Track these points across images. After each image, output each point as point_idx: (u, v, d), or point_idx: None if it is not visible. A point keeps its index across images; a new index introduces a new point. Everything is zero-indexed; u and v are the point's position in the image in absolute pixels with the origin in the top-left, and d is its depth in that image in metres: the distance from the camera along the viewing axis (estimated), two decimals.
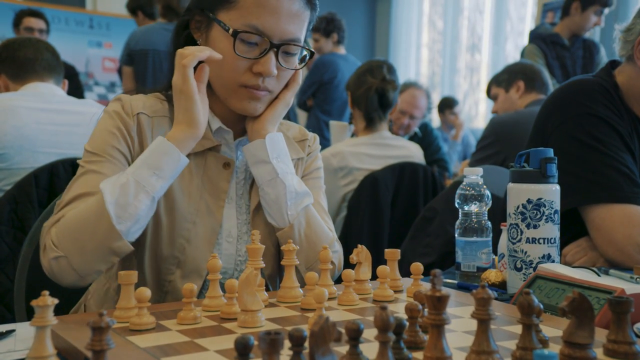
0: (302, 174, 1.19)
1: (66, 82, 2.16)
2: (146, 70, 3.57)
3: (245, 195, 1.14)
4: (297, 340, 0.62)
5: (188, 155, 1.10)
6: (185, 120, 1.01)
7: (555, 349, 0.68)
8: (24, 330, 0.86)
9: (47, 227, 0.99)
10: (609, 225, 1.28)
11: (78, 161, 1.06)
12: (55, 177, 1.67)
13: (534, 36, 3.58)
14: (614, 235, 1.27)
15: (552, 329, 0.78)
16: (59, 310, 0.72)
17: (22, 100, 1.92)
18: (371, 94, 2.39)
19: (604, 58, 3.40)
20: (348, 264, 1.02)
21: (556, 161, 1.07)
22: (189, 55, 1.01)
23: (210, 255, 0.93)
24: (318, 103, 4.00)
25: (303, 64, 1.13)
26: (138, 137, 1.06)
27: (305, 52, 1.13)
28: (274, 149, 1.09)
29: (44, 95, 1.99)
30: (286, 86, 1.12)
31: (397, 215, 2.29)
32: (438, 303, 0.63)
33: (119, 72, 4.01)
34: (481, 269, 1.16)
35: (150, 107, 1.10)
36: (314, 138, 1.24)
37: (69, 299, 1.19)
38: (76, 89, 3.67)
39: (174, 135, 1.01)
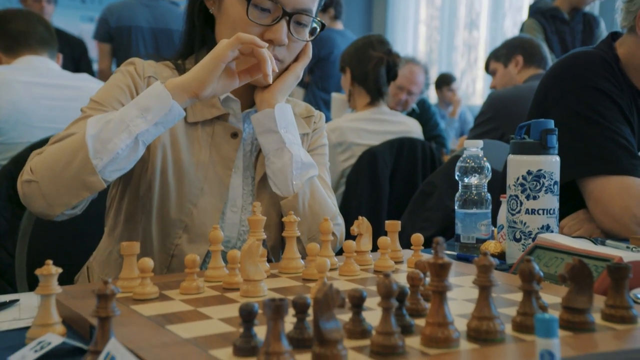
0: (307, 150, 1.20)
1: (60, 55, 2.14)
2: (130, 47, 3.46)
3: (251, 166, 1.15)
4: (301, 308, 0.63)
5: (195, 124, 1.10)
6: (195, 74, 0.97)
7: (554, 315, 0.69)
8: (27, 300, 0.87)
9: (32, 155, 1.00)
10: (607, 197, 1.29)
11: (81, 107, 1.06)
12: None
13: (534, 10, 3.55)
14: (612, 206, 1.28)
15: (551, 296, 0.79)
16: (63, 281, 0.73)
17: (16, 74, 1.90)
18: (381, 68, 2.36)
19: (603, 32, 3.38)
20: (349, 238, 1.03)
21: (557, 132, 1.07)
22: (251, 38, 0.96)
23: (217, 220, 0.93)
24: (315, 80, 3.97)
25: (313, 36, 1.13)
26: None
27: (315, 25, 1.13)
28: (283, 120, 1.09)
29: (38, 69, 1.97)
30: (296, 59, 1.13)
31: (396, 190, 2.30)
32: (440, 270, 0.63)
33: None
34: (480, 241, 1.17)
35: (161, 73, 1.10)
36: (319, 115, 1.24)
37: (72, 267, 1.19)
38: (87, 67, 3.53)
39: (173, 81, 0.98)
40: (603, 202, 1.30)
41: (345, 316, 0.66)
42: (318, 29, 1.13)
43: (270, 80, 0.99)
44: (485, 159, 1.21)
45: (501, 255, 1.12)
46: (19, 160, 1.63)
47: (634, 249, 0.99)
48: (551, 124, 1.08)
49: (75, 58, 3.41)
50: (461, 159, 1.21)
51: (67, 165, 0.94)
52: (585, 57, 1.42)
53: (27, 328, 0.70)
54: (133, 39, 3.45)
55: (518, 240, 1.08)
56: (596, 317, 0.69)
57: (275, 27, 1.05)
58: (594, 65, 1.39)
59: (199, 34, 1.13)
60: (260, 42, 0.97)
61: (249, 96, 1.14)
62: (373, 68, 2.37)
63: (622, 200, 1.28)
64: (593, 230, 1.32)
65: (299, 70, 1.13)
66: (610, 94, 1.36)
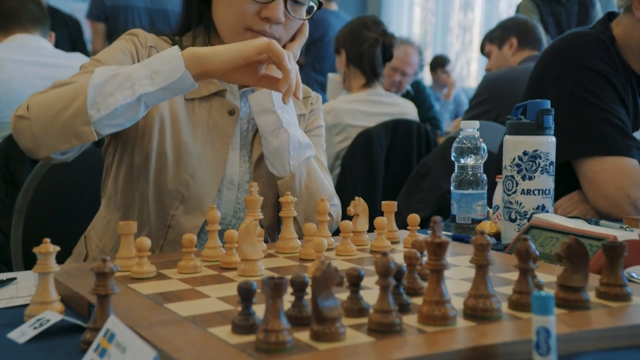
0: (304, 131, 1.19)
1: (53, 34, 2.11)
2: (125, 27, 3.44)
3: (248, 145, 1.15)
4: (299, 286, 0.63)
5: (193, 100, 1.10)
6: (213, 53, 0.95)
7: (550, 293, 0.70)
8: (24, 279, 0.87)
9: (33, 94, 0.99)
10: (601, 177, 1.30)
11: (81, 65, 1.06)
12: None
13: None
14: (606, 187, 1.29)
15: (546, 276, 0.80)
16: (57, 260, 0.72)
17: (8, 52, 1.88)
18: (376, 49, 2.35)
19: (599, 13, 3.37)
20: (345, 219, 1.03)
21: (553, 113, 1.07)
22: (281, 53, 0.94)
23: (214, 193, 0.91)
24: (309, 61, 3.94)
25: (310, 15, 1.12)
26: None
27: (312, 4, 1.12)
28: (280, 99, 1.08)
29: (30, 48, 1.94)
30: (293, 38, 1.12)
31: (391, 172, 2.30)
32: (438, 249, 0.63)
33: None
34: (476, 221, 1.18)
35: (161, 47, 1.10)
36: (317, 97, 1.24)
37: (67, 246, 1.19)
38: (83, 47, 3.48)
39: (192, 49, 0.96)
40: (597, 183, 1.31)
41: (343, 295, 0.67)
42: (315, 8, 1.12)
43: (287, 102, 0.98)
44: (481, 139, 1.21)
45: (497, 236, 1.13)
46: (12, 140, 1.62)
47: (627, 228, 1.00)
48: (547, 104, 1.08)
49: (72, 38, 3.37)
50: (457, 139, 1.21)
51: (63, 110, 0.93)
52: (580, 38, 1.41)
53: (24, 306, 0.70)
54: (129, 19, 3.42)
55: (513, 221, 1.08)
56: (591, 295, 0.70)
57: (272, 5, 1.04)
58: (590, 45, 1.38)
59: (196, 11, 1.13)
60: (287, 65, 0.94)
61: None
62: (368, 49, 2.35)
63: (617, 180, 1.29)
64: (587, 211, 1.33)
65: (295, 50, 1.12)
66: (605, 74, 1.36)
